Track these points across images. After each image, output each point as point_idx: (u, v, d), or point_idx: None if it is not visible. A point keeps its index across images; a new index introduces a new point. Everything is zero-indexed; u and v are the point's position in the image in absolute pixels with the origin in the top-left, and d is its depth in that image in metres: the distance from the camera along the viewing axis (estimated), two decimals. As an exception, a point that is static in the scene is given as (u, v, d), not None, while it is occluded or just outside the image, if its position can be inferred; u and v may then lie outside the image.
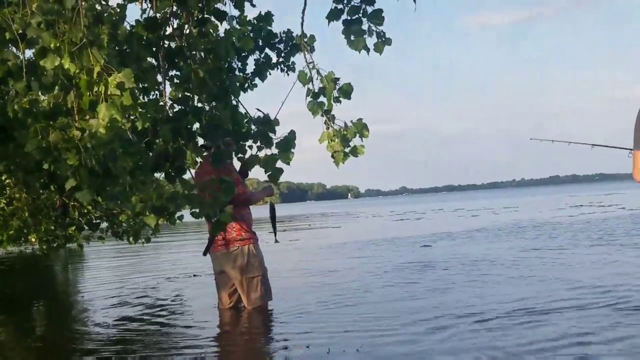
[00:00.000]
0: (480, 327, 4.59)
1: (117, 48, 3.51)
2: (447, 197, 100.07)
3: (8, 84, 2.64)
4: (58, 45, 2.54)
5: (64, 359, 4.49)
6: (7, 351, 4.94)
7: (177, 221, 5.14)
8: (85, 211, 8.67)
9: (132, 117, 3.23)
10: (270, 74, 5.53)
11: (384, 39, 3.28)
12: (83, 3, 2.53)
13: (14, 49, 2.73)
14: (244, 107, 3.75)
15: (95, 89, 2.50)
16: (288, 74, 5.48)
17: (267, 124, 3.50)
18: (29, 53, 2.75)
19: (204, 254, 5.59)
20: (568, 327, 4.47)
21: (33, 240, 9.55)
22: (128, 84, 2.45)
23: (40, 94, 2.70)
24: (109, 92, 2.47)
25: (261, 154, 3.49)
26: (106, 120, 2.43)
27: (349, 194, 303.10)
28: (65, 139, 2.46)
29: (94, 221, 8.68)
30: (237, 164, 5.27)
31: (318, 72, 3.43)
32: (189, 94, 3.61)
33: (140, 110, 3.37)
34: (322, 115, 3.44)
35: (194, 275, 8.88)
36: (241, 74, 5.35)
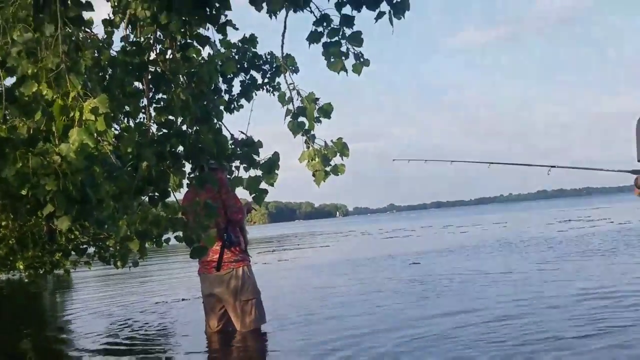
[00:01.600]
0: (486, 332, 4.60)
1: (100, 74, 3.54)
2: (435, 214, 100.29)
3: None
4: (36, 71, 2.56)
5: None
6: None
7: (164, 244, 5.14)
8: (72, 236, 8.60)
9: (115, 142, 3.24)
10: (256, 94, 5.60)
11: (361, 60, 3.33)
12: (61, 30, 2.56)
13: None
14: (227, 129, 3.78)
15: (71, 113, 2.51)
16: (273, 94, 5.55)
17: (250, 146, 3.53)
18: (9, 82, 2.77)
19: (217, 269, 5.41)
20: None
21: (21, 267, 9.44)
22: (102, 109, 2.46)
23: (18, 120, 2.70)
24: (83, 118, 2.48)
25: (246, 175, 3.52)
26: (76, 145, 2.43)
27: (338, 213, 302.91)
28: (43, 165, 2.46)
29: (81, 246, 8.61)
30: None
31: (298, 93, 3.48)
32: (172, 118, 3.63)
33: (125, 134, 3.41)
34: (303, 135, 3.48)
35: (183, 299, 8.81)
36: (227, 95, 5.41)
